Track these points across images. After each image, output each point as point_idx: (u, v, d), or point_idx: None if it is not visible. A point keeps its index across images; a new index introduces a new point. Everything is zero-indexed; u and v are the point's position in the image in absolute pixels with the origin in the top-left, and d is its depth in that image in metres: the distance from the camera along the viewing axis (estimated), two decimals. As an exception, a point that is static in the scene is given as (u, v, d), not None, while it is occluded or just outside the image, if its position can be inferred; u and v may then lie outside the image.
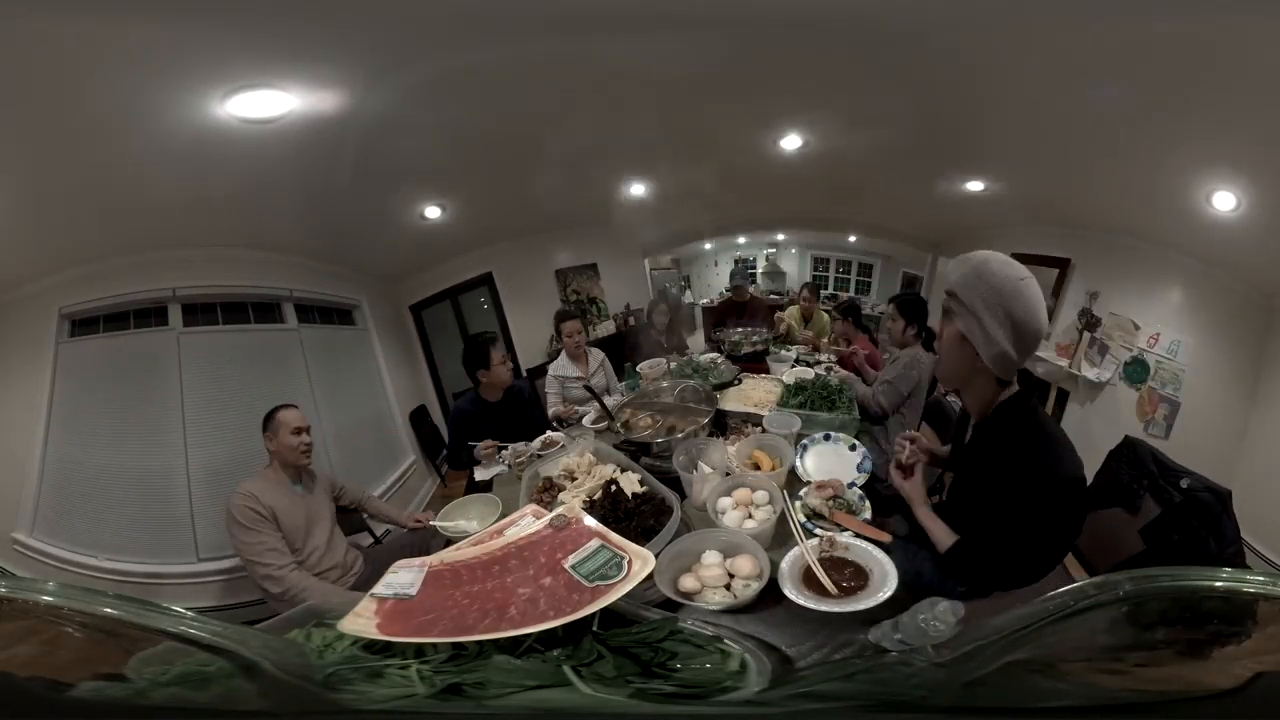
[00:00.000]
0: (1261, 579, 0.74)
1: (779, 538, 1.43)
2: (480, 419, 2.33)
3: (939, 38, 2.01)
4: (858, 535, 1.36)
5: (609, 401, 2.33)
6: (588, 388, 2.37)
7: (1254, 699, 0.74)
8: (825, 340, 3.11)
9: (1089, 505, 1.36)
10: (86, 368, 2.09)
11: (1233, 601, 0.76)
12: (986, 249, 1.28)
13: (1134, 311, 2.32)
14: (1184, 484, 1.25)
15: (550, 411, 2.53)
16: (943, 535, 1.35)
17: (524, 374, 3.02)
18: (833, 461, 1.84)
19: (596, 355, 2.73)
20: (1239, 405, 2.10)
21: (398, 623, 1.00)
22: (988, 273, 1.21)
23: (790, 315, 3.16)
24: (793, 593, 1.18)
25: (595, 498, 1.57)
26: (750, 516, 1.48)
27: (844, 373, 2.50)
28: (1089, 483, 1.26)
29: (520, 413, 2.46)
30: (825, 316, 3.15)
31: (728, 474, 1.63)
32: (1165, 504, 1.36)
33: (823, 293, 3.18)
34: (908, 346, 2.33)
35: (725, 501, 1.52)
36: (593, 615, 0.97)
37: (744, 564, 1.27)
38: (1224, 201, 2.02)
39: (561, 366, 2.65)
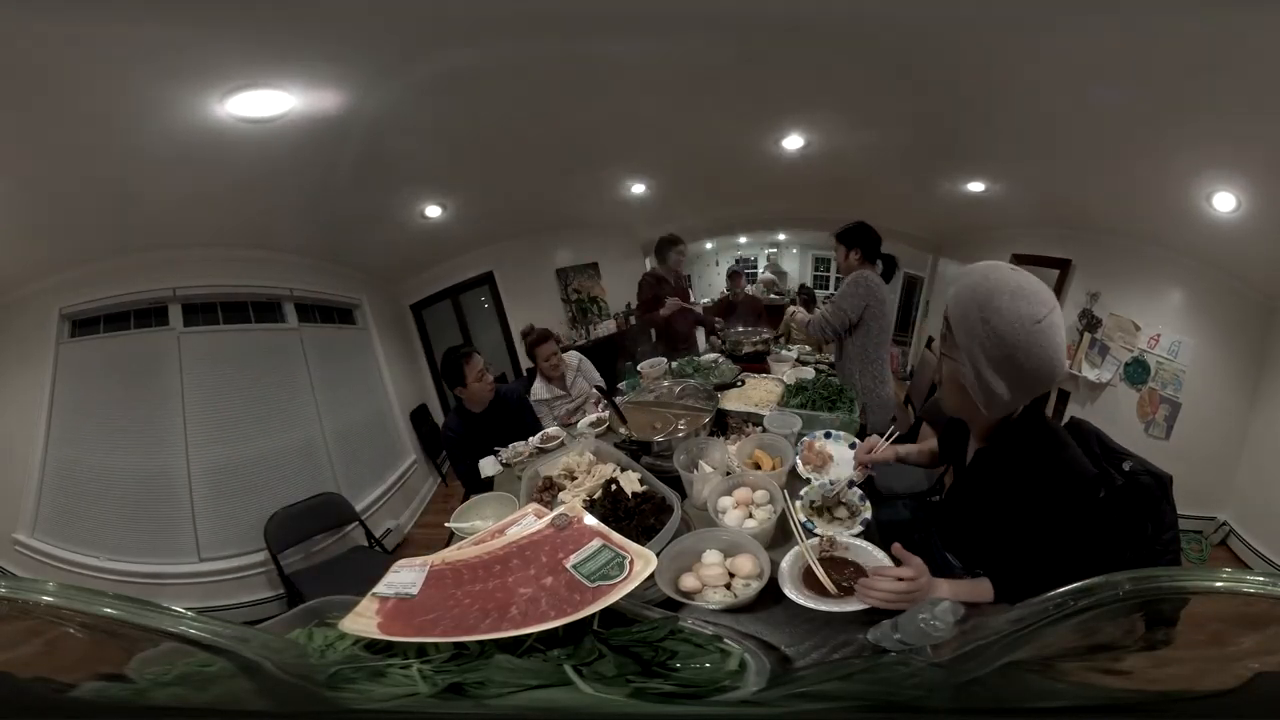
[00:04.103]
0: (1261, 579, 0.74)
1: (779, 537, 1.43)
2: (469, 434, 2.25)
3: (941, 39, 2.01)
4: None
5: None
6: (600, 390, 2.34)
7: (1253, 699, 0.74)
8: None
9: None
10: (87, 368, 2.09)
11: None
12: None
13: (1134, 312, 2.33)
14: (1126, 466, 1.23)
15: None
16: (979, 590, 1.18)
17: (524, 373, 3.02)
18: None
19: (571, 361, 2.68)
20: (1239, 406, 2.10)
21: (399, 622, 1.00)
22: (993, 313, 1.04)
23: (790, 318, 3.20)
24: (793, 592, 1.18)
25: (595, 497, 1.57)
26: (751, 516, 1.48)
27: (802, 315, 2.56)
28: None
29: (509, 420, 2.35)
30: None
31: (728, 473, 1.64)
32: (1107, 487, 1.34)
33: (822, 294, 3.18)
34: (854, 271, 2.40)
35: (726, 501, 1.52)
36: (593, 614, 0.97)
37: (744, 563, 1.28)
38: (1224, 203, 2.02)
39: (540, 390, 2.62)
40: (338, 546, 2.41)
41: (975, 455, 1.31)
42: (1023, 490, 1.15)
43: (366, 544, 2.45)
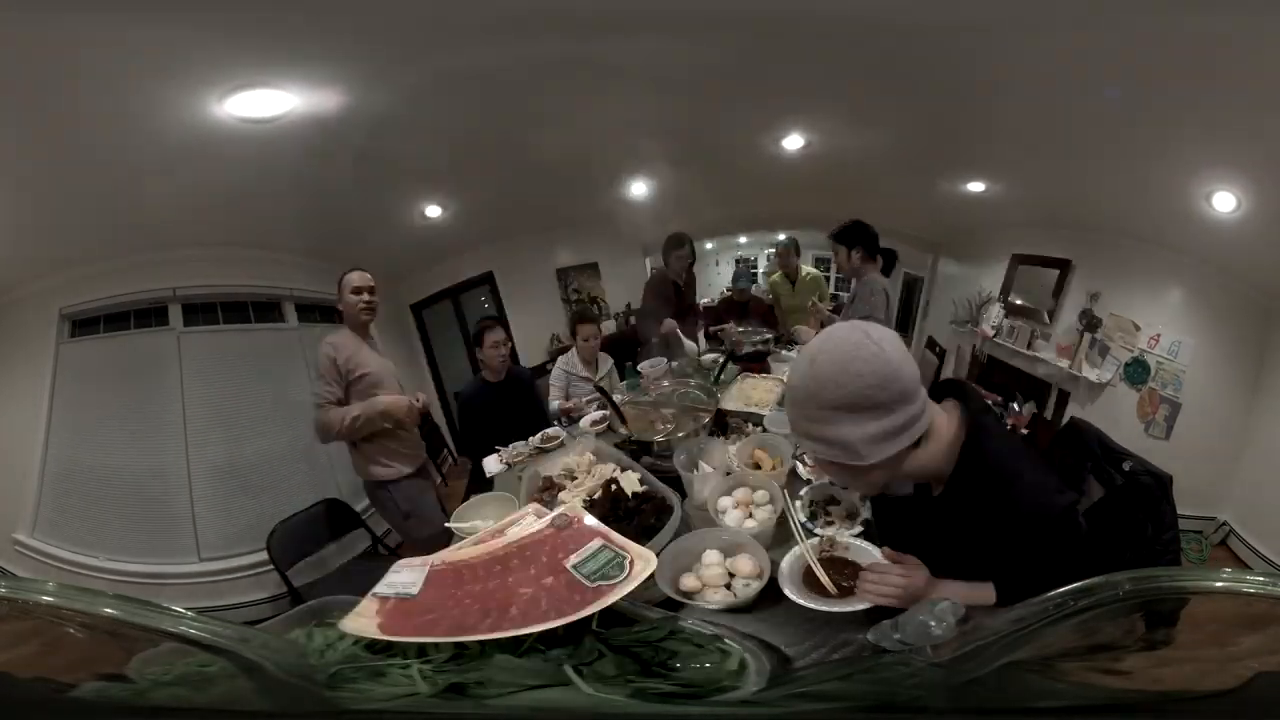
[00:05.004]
0: (1261, 579, 0.74)
1: (779, 537, 1.43)
2: (484, 400, 2.39)
3: (940, 38, 2.01)
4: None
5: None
6: (599, 389, 2.36)
7: (1253, 699, 0.74)
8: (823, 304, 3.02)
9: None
10: (87, 368, 2.09)
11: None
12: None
13: (1135, 312, 2.32)
14: (1126, 466, 1.22)
15: (553, 406, 2.54)
16: (981, 593, 1.13)
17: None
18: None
19: (606, 361, 2.74)
20: (1239, 406, 2.10)
21: (400, 622, 1.00)
22: (821, 381, 1.00)
23: (774, 283, 3.08)
24: (793, 592, 1.18)
25: (595, 497, 1.57)
26: (751, 516, 1.48)
27: None
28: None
29: (522, 396, 2.51)
30: (816, 273, 3.04)
31: (728, 473, 1.64)
32: (1107, 486, 1.33)
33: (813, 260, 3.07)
34: (863, 274, 2.41)
35: (726, 501, 1.52)
36: (593, 614, 0.97)
37: (744, 563, 1.28)
38: (1224, 202, 2.02)
39: (571, 363, 2.67)
40: (342, 554, 2.38)
41: (938, 496, 1.21)
42: (990, 529, 1.08)
43: (370, 547, 2.43)
